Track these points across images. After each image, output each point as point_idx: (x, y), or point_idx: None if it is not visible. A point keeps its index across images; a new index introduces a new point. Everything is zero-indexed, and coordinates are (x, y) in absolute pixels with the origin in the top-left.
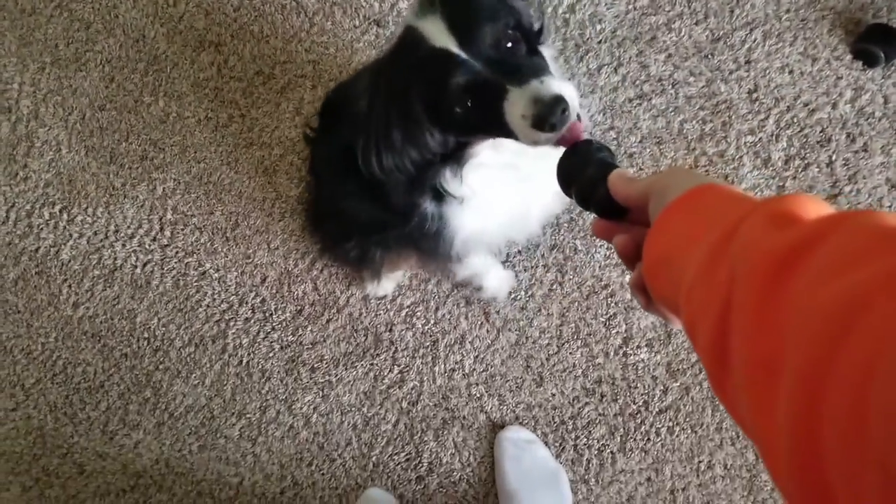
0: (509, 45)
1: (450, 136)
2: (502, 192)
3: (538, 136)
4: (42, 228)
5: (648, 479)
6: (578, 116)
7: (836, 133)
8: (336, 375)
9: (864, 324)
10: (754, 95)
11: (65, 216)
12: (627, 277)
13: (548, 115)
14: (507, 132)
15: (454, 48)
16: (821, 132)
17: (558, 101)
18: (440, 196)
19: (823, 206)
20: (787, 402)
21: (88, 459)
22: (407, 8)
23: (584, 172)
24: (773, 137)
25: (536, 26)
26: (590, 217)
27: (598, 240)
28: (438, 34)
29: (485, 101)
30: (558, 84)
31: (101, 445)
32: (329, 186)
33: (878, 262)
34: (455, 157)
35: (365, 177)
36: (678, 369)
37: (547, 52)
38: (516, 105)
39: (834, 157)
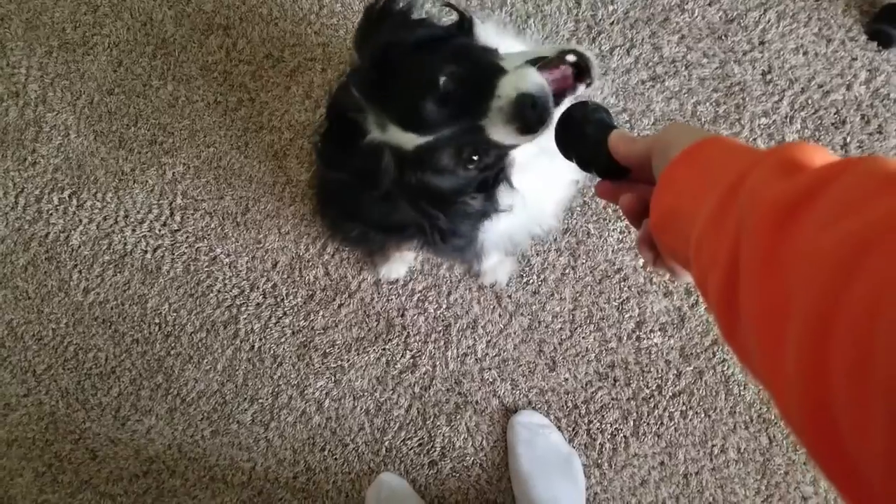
0: (451, 88)
1: (477, 174)
2: (534, 185)
3: (533, 136)
4: (51, 214)
5: (661, 464)
6: (578, 57)
7: (850, 115)
8: (348, 360)
9: (867, 266)
10: (768, 77)
11: (74, 201)
12: (641, 261)
13: (526, 121)
14: (513, 147)
15: (421, 140)
16: (835, 114)
17: (523, 104)
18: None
19: (828, 154)
20: (796, 345)
21: (101, 445)
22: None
23: (584, 135)
24: (788, 119)
25: (460, 23)
26: (602, 201)
27: (610, 224)
28: (404, 139)
29: (477, 144)
30: (512, 82)
31: (113, 431)
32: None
33: (880, 204)
34: (496, 177)
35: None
36: (692, 353)
37: (485, 29)
38: (498, 130)
39: (848, 140)
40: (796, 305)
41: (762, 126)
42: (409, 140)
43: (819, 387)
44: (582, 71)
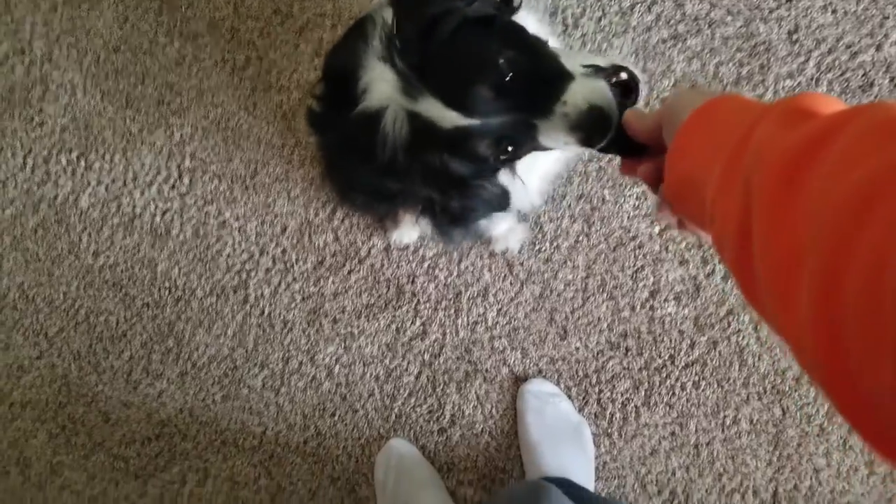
0: (510, 76)
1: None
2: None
3: (592, 148)
4: (60, 175)
5: (672, 434)
6: (630, 76)
7: (879, 77)
8: (358, 327)
9: (876, 213)
10: (794, 37)
11: (82, 163)
12: (656, 229)
13: (592, 133)
14: (549, 146)
15: (464, 122)
16: (863, 76)
17: (598, 118)
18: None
19: (838, 102)
20: (809, 291)
21: (113, 408)
22: None
23: None
24: (814, 81)
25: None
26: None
27: (626, 190)
28: (442, 116)
29: (519, 141)
30: (583, 91)
31: (125, 394)
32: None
33: (888, 152)
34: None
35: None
36: (706, 323)
37: (533, 18)
38: (555, 135)
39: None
40: (809, 255)
41: (787, 88)
42: (450, 119)
43: (833, 335)
44: (629, 88)
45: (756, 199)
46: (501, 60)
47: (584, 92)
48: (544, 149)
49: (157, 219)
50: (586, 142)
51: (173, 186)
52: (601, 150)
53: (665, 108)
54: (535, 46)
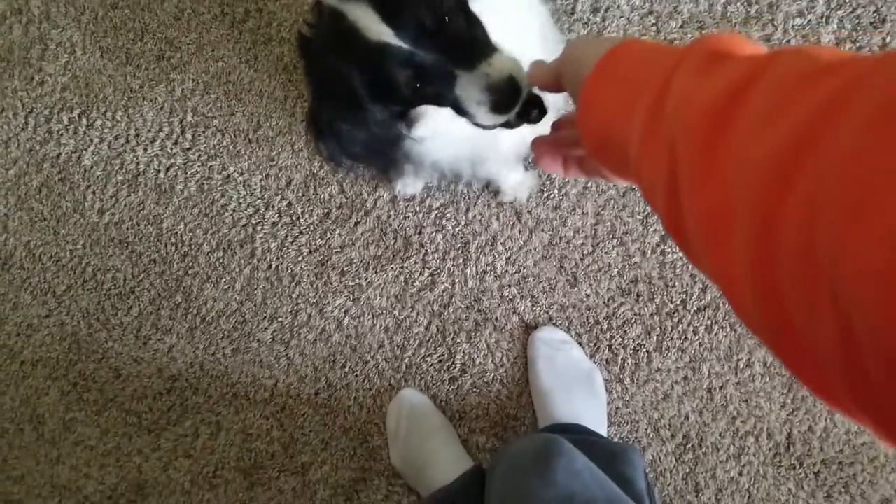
0: (447, 19)
1: (396, 109)
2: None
3: (496, 118)
4: (62, 134)
5: (685, 378)
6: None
7: (891, 13)
8: (366, 279)
9: (803, 169)
10: None
11: (84, 121)
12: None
13: (504, 102)
14: (460, 110)
15: (392, 39)
16: (874, 12)
17: (512, 86)
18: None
19: (750, 43)
20: (743, 252)
21: (124, 364)
22: None
23: None
24: (824, 19)
25: None
26: None
27: None
28: (371, 24)
29: (434, 85)
30: (507, 62)
31: (135, 350)
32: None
33: (806, 100)
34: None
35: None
36: None
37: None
38: (469, 91)
39: (889, 39)
40: (738, 215)
41: (796, 27)
42: (378, 32)
43: (770, 289)
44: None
45: (681, 155)
46: (447, 9)
47: (507, 63)
48: (453, 108)
49: (161, 175)
50: (496, 106)
51: (176, 142)
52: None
53: (564, 58)
54: (474, 16)
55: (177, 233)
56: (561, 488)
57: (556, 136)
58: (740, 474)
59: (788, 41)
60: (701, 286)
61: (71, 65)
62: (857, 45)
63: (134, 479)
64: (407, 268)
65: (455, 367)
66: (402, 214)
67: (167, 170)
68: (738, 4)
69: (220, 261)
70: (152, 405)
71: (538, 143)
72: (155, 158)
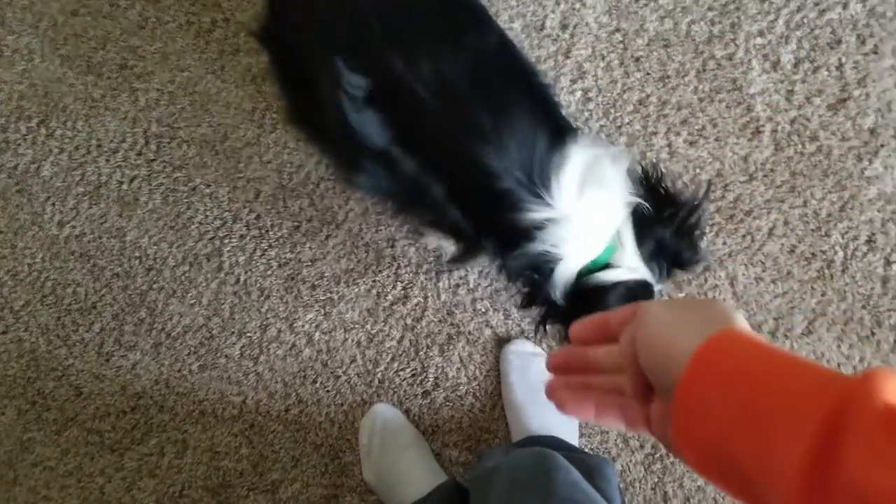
0: None
1: None
2: None
3: None
4: (20, 144)
5: None
6: None
7: (846, 34)
8: (338, 293)
9: None
10: None
11: (43, 130)
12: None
13: None
14: None
15: None
16: (831, 33)
17: None
18: None
19: None
20: None
21: (85, 381)
22: None
23: None
24: (783, 39)
25: None
26: None
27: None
28: None
29: None
30: None
31: (97, 367)
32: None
33: None
34: None
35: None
36: (682, 281)
37: None
38: None
39: (843, 60)
40: None
41: (757, 46)
42: None
43: None
44: None
45: None
46: None
47: None
48: None
49: (125, 186)
50: None
51: (140, 153)
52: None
53: (644, 333)
54: None
55: (141, 246)
56: (566, 501)
57: (581, 360)
58: (707, 483)
59: (749, 60)
60: (666, 300)
61: (28, 73)
62: (815, 64)
63: (96, 500)
64: (379, 281)
65: (428, 381)
66: (374, 227)
67: (131, 181)
68: (702, 23)
69: (187, 275)
70: (115, 424)
71: (555, 385)
72: (118, 169)
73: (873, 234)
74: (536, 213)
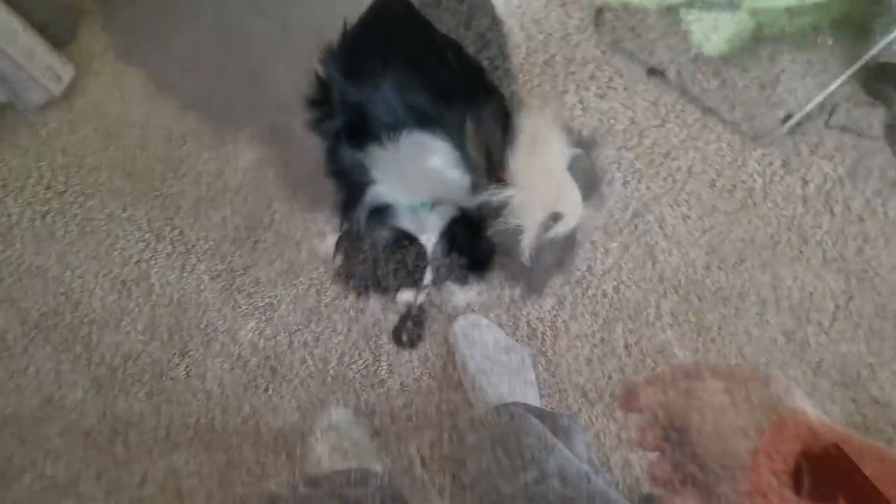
0: None
1: None
2: None
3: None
4: None
5: (602, 340)
6: None
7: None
8: (276, 296)
9: None
10: None
11: None
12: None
13: None
14: None
15: None
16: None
17: None
18: None
19: None
20: None
21: (28, 427)
22: None
23: None
24: None
25: None
26: None
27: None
28: None
29: None
30: None
31: (38, 412)
32: None
33: None
34: None
35: None
36: (614, 230)
37: None
38: None
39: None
40: None
41: None
42: None
43: None
44: None
45: None
46: None
47: None
48: None
49: (38, 223)
50: None
51: (48, 187)
52: None
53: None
54: None
55: (64, 281)
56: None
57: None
58: None
59: (645, 8)
60: (602, 250)
61: None
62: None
63: None
64: (317, 278)
65: (382, 370)
66: (303, 226)
67: (43, 217)
68: None
69: (117, 303)
70: (69, 463)
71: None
72: (28, 207)
73: (787, 156)
74: None
